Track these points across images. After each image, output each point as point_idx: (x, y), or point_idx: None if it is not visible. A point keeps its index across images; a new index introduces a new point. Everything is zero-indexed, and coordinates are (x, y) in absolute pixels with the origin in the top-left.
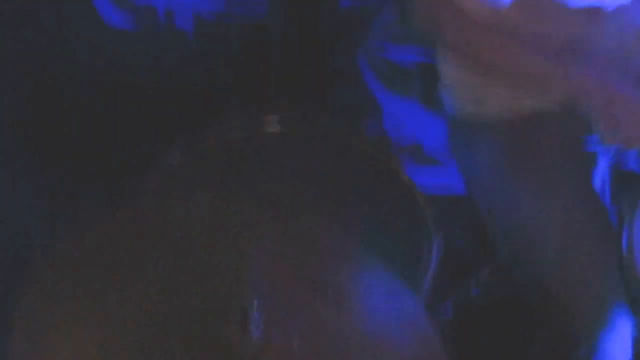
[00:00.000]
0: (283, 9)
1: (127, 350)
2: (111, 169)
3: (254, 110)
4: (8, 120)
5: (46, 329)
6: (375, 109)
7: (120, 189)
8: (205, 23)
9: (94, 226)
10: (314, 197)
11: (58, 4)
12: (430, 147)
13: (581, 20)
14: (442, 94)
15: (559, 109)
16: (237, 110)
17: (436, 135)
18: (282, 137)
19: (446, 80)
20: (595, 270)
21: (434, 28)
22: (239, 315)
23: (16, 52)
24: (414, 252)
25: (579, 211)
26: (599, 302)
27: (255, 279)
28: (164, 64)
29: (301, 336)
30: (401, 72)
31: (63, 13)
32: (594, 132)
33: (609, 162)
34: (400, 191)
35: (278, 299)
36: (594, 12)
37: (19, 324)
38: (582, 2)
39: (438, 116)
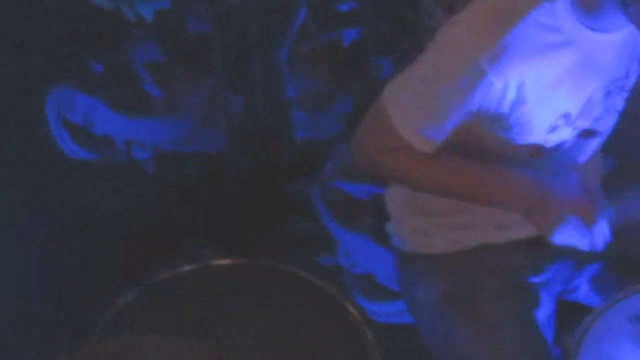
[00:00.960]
0: (239, 141)
1: None
2: (65, 305)
3: (205, 242)
4: None
5: None
6: (328, 241)
7: (74, 327)
8: (162, 153)
9: None
10: (261, 335)
11: (15, 134)
12: (383, 276)
13: (523, 159)
14: (390, 230)
15: (501, 242)
16: (189, 242)
17: (387, 265)
18: (231, 270)
19: (393, 218)
20: None
21: (377, 162)
22: None
23: None
24: None
25: (516, 342)
26: None
27: None
28: (120, 195)
29: None
30: (353, 205)
31: (22, 143)
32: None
33: (554, 294)
34: (349, 327)
35: None
36: (535, 151)
37: None
38: (525, 139)
39: (388, 249)
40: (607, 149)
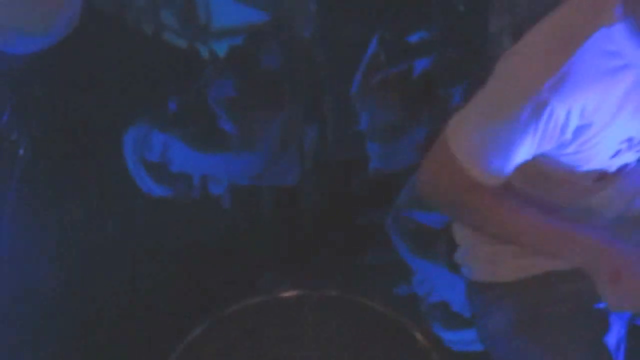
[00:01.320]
0: (314, 174)
1: None
2: (136, 338)
3: (281, 275)
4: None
5: None
6: (404, 270)
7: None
8: (238, 188)
9: None
10: None
11: (95, 173)
12: (458, 304)
13: (587, 185)
14: (458, 259)
15: (568, 268)
16: (265, 275)
17: (462, 293)
18: (300, 301)
19: (461, 247)
20: None
21: (444, 200)
22: None
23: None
24: None
25: None
26: None
27: None
28: (198, 231)
29: None
30: (427, 235)
31: (101, 181)
32: (602, 299)
33: (625, 319)
34: (417, 355)
35: None
36: (599, 177)
37: None
38: (589, 165)
39: (462, 277)
40: None
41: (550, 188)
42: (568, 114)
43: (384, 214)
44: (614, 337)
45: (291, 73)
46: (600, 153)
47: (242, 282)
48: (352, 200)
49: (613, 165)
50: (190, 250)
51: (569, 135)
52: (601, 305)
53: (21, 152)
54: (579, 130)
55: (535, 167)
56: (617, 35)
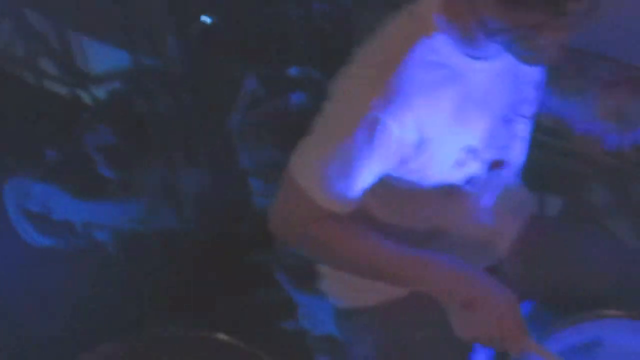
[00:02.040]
0: (198, 215)
1: None
2: None
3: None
4: None
5: None
6: (291, 305)
7: None
8: (122, 233)
9: None
10: None
11: None
12: None
13: (436, 202)
14: (324, 288)
15: None
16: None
17: None
18: (153, 343)
19: (325, 275)
20: None
21: (296, 237)
22: None
23: None
24: None
25: None
26: None
27: None
28: (85, 279)
29: None
30: (308, 268)
31: None
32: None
33: None
34: None
35: None
36: (448, 192)
37: None
38: (433, 179)
39: None
40: (553, 187)
41: (405, 209)
42: (402, 128)
43: (270, 250)
44: (482, 355)
45: (167, 116)
46: (442, 164)
47: (131, 328)
48: (239, 239)
49: (460, 177)
50: (77, 299)
51: (407, 149)
52: None
53: None
54: (418, 145)
55: (385, 187)
56: (439, 45)
